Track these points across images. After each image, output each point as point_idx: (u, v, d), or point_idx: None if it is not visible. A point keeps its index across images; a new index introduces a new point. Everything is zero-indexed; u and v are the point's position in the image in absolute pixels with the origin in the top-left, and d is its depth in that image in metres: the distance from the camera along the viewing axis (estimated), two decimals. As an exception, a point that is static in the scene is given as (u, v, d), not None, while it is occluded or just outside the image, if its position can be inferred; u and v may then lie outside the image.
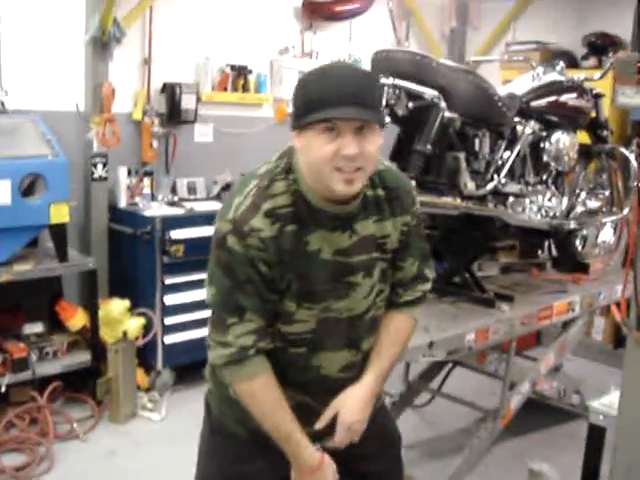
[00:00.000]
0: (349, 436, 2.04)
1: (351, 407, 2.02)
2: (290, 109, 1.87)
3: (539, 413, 4.40)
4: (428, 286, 2.17)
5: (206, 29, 5.47)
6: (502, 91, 3.50)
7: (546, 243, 4.34)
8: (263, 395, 1.94)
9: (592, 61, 6.00)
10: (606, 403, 2.54)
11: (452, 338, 3.12)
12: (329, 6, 6.04)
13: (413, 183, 2.98)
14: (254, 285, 1.86)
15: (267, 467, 2.06)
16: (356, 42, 6.24)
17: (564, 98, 3.78)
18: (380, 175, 1.96)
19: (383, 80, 3.01)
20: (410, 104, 3.08)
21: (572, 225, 3.87)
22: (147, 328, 4.73)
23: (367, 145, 1.77)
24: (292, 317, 1.94)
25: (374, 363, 2.08)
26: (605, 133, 4.16)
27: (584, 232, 4.26)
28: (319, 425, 2.02)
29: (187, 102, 5.26)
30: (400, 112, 3.07)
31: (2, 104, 4.51)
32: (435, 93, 3.03)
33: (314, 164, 1.80)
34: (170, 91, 5.23)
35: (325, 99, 1.73)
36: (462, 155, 3.20)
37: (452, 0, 7.01)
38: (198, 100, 5.35)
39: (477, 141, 3.36)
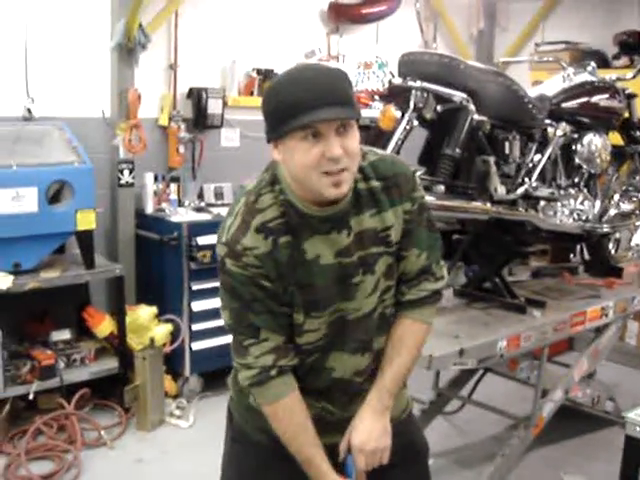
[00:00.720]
0: (372, 459, 1.98)
1: (361, 431, 1.97)
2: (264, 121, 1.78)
3: (572, 420, 4.31)
4: (438, 285, 2.04)
5: (232, 33, 5.45)
6: (532, 93, 3.44)
7: (578, 247, 4.26)
8: (287, 418, 1.91)
9: (624, 60, 5.91)
10: (643, 414, 2.47)
11: (483, 345, 3.06)
12: (355, 8, 6.01)
13: (442, 188, 2.97)
14: (261, 302, 1.83)
15: (288, 476, 2.01)
16: (383, 45, 6.19)
17: (596, 99, 3.70)
18: (373, 166, 1.88)
19: (411, 83, 2.96)
20: (438, 107, 3.02)
21: (605, 228, 3.80)
22: (174, 334, 4.71)
23: (349, 143, 1.72)
24: (301, 328, 1.90)
25: (377, 380, 2.02)
26: (638, 134, 4.07)
27: (617, 235, 4.17)
28: (341, 457, 2.00)
29: (213, 107, 5.24)
30: (428, 115, 3.01)
31: (29, 111, 4.53)
32: (464, 96, 2.98)
33: (299, 172, 1.73)
34: (196, 96, 5.22)
35: (300, 104, 1.66)
36: (492, 159, 3.14)
37: (480, 1, 6.94)
38: (224, 105, 5.34)
39: (507, 144, 3.29)
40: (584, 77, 3.73)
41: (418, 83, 2.96)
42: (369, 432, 1.97)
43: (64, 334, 4.53)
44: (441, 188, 2.97)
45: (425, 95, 2.96)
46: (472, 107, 3.00)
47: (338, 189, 1.74)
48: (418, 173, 3.10)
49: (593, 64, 3.82)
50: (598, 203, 3.80)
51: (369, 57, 5.79)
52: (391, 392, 2.01)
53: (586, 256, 4.25)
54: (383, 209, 1.90)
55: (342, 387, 2.00)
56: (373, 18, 6.07)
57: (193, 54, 5.27)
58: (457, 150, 3.02)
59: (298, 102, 1.66)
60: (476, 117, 3.04)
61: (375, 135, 2.93)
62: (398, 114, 2.93)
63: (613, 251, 4.18)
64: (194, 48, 5.27)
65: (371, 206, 1.89)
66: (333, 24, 6.01)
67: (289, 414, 1.91)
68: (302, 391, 1.94)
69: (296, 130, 1.68)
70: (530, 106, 3.26)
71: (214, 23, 5.35)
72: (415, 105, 2.96)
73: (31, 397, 4.18)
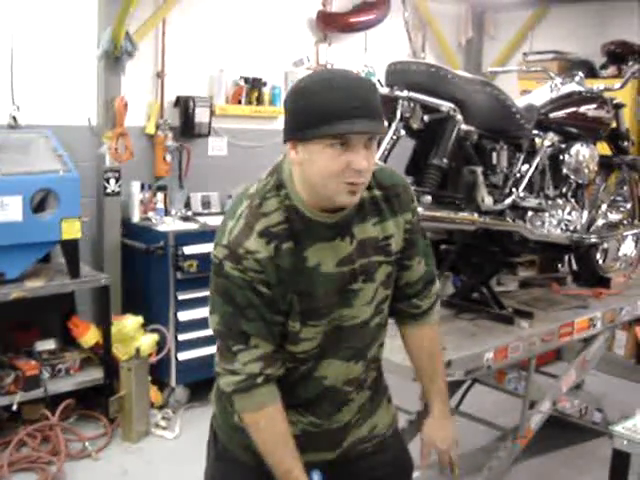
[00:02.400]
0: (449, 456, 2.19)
1: (445, 437, 2.15)
2: (285, 119, 1.76)
3: (560, 431, 4.29)
4: (437, 286, 2.16)
5: (219, 41, 5.43)
6: (520, 102, 3.42)
7: (566, 257, 4.25)
8: (268, 427, 1.87)
9: (611, 70, 5.92)
10: (630, 427, 2.44)
11: (470, 357, 3.04)
12: (344, 17, 6.01)
13: (429, 198, 2.95)
14: (256, 309, 1.80)
15: None
16: (371, 53, 6.19)
17: (583, 109, 3.69)
18: (375, 175, 1.86)
19: (397, 93, 2.94)
20: (425, 117, 3.00)
21: (593, 239, 3.78)
22: (161, 344, 4.68)
23: (371, 157, 1.72)
24: (297, 337, 1.87)
25: (433, 390, 2.16)
26: (626, 144, 4.08)
27: (605, 245, 4.16)
28: (424, 463, 2.19)
29: (201, 115, 5.22)
30: (415, 125, 2.99)
31: (14, 119, 4.50)
32: (451, 105, 2.95)
33: (318, 177, 1.71)
34: (184, 104, 5.19)
35: (335, 112, 1.64)
36: (479, 169, 3.12)
37: (468, 10, 6.95)
38: (212, 113, 5.31)
39: (495, 154, 3.27)
40: (572, 87, 3.72)
41: (405, 93, 2.94)
42: (443, 434, 2.17)
43: (49, 344, 4.48)
44: (428, 198, 2.95)
45: (412, 105, 2.95)
46: (459, 117, 2.98)
47: (353, 197, 1.74)
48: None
49: (581, 74, 3.82)
50: (586, 213, 3.79)
51: (357, 66, 5.83)
52: (447, 394, 2.22)
53: (574, 266, 4.23)
54: (385, 218, 1.91)
55: (331, 396, 1.98)
56: (361, 27, 6.06)
57: (181, 62, 5.25)
58: (444, 160, 3.00)
59: (334, 109, 1.64)
60: (463, 127, 3.01)
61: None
62: (385, 124, 2.91)
63: (601, 261, 4.17)
64: (182, 56, 5.25)
65: (374, 214, 1.90)
66: (322, 33, 6.01)
67: (271, 424, 1.87)
68: (289, 406, 1.91)
69: (327, 137, 1.66)
70: (517, 116, 3.24)
71: (202, 31, 5.34)
72: (402, 115, 2.94)
73: (15, 408, 4.14)
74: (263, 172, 1.89)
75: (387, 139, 2.93)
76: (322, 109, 1.65)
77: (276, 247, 1.78)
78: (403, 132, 3.01)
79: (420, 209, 2.84)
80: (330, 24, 5.95)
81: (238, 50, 5.52)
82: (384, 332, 2.06)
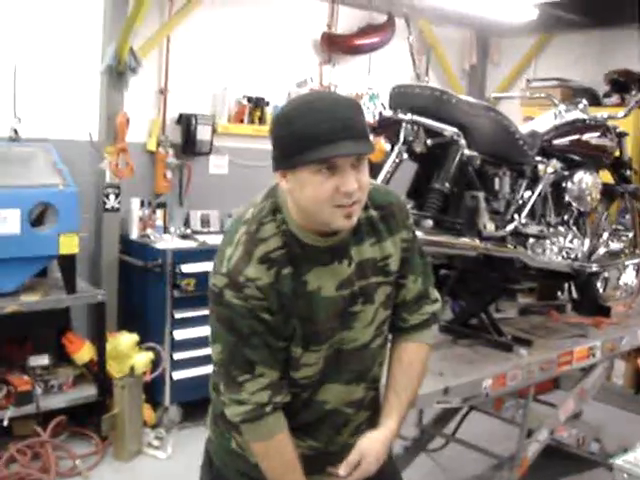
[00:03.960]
0: (361, 471, 1.92)
1: (377, 453, 1.92)
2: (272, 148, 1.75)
3: (557, 461, 4.22)
4: (435, 307, 2.06)
5: (224, 60, 5.43)
6: (523, 129, 3.41)
7: (566, 285, 4.21)
8: (277, 455, 1.85)
9: (615, 99, 5.92)
10: (630, 460, 2.40)
11: (468, 384, 3.00)
12: (348, 39, 6.01)
13: (430, 222, 2.93)
14: (259, 337, 1.77)
15: None
16: (375, 76, 6.18)
17: (587, 137, 3.67)
18: (369, 195, 1.82)
19: (401, 116, 2.93)
20: (429, 141, 2.98)
21: (594, 267, 3.75)
22: (155, 363, 4.63)
23: (362, 177, 1.69)
24: (298, 362, 1.85)
25: (393, 404, 1.99)
26: (629, 173, 4.05)
27: (606, 274, 4.13)
28: (344, 470, 1.89)
29: (203, 133, 5.20)
30: (418, 149, 2.97)
31: (15, 132, 4.47)
32: (455, 130, 2.93)
33: (310, 205, 1.69)
34: (186, 122, 5.18)
35: (319, 136, 1.61)
36: (481, 194, 3.09)
37: (473, 36, 6.97)
38: (214, 131, 5.30)
39: (497, 180, 3.26)
40: (576, 114, 3.70)
41: (409, 116, 2.92)
42: (381, 454, 1.92)
43: (43, 359, 4.43)
44: (429, 222, 2.93)
45: (415, 128, 2.93)
46: (463, 142, 2.96)
47: (349, 221, 1.71)
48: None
49: (585, 102, 3.80)
50: (587, 241, 3.76)
51: (361, 88, 5.83)
52: (405, 419, 2.01)
53: (574, 295, 4.20)
54: (382, 239, 1.89)
55: (332, 419, 1.96)
56: (366, 49, 6.07)
57: (184, 79, 5.24)
58: (446, 185, 2.98)
59: (317, 133, 1.61)
60: (466, 152, 3.00)
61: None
62: (387, 147, 2.90)
63: (601, 290, 4.13)
64: (185, 73, 5.25)
65: (370, 235, 1.87)
66: (326, 54, 6.01)
67: (280, 452, 1.86)
68: (289, 429, 1.88)
69: (312, 162, 1.63)
70: (521, 142, 3.23)
71: (206, 49, 5.33)
72: (405, 138, 2.93)
73: (5, 423, 4.08)
74: (258, 195, 1.87)
75: (389, 162, 2.91)
76: (304, 134, 1.63)
77: (276, 273, 1.75)
78: (406, 155, 2.99)
79: (420, 233, 2.82)
80: (334, 46, 5.96)
81: (242, 69, 5.52)
82: (384, 352, 2.04)
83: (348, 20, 6.07)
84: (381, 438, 1.93)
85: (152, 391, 4.72)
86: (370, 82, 6.12)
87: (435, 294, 2.08)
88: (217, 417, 1.98)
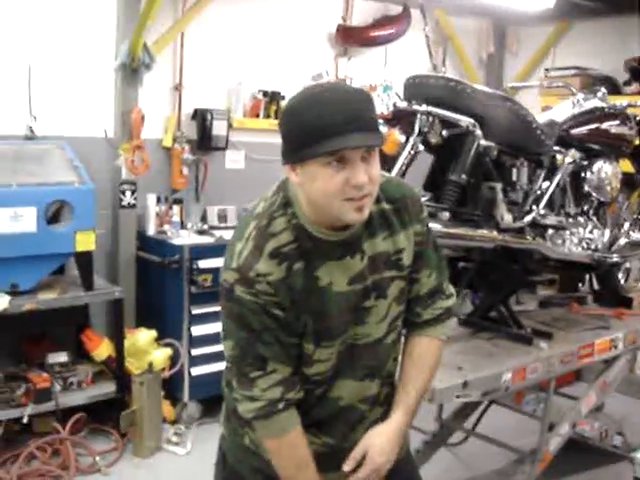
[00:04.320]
0: (375, 475, 1.90)
1: (381, 446, 1.89)
2: (281, 142, 1.71)
3: (579, 454, 4.19)
4: (450, 302, 2.03)
5: (238, 54, 5.40)
6: (541, 118, 3.36)
7: (587, 276, 4.16)
8: (290, 453, 1.84)
9: (635, 87, 5.84)
10: (653, 454, 2.37)
11: (487, 378, 2.97)
12: (364, 31, 5.97)
13: (447, 215, 2.89)
14: (271, 332, 1.74)
15: None
16: (391, 68, 6.13)
17: (606, 125, 3.62)
18: (382, 188, 1.79)
19: (416, 107, 2.89)
20: (444, 132, 2.94)
21: (615, 258, 3.70)
22: (174, 359, 4.62)
23: (372, 170, 1.65)
24: (311, 358, 1.83)
25: (401, 398, 1.96)
26: (649, 161, 3.99)
27: (627, 265, 4.07)
28: (348, 467, 1.88)
29: (218, 128, 5.18)
30: (433, 140, 2.93)
31: (31, 129, 4.47)
32: (470, 120, 2.89)
33: (320, 198, 1.66)
34: (201, 117, 5.16)
35: (327, 128, 1.58)
36: (499, 185, 3.05)
37: (490, 26, 6.89)
38: (229, 126, 5.28)
39: (515, 171, 3.21)
40: (594, 103, 3.65)
41: (423, 107, 2.88)
42: (392, 452, 1.91)
43: (61, 357, 4.42)
44: (446, 215, 2.90)
45: (430, 119, 2.89)
46: (479, 132, 2.92)
47: (360, 214, 1.68)
48: (423, 199, 3.03)
49: (604, 90, 3.75)
50: (608, 232, 3.71)
51: (377, 80, 5.76)
52: (414, 411, 1.98)
53: (595, 286, 4.15)
54: (395, 232, 1.85)
55: (346, 416, 1.94)
56: (382, 41, 6.02)
57: (199, 75, 5.22)
58: (463, 176, 2.95)
59: (325, 126, 1.58)
60: (483, 142, 2.96)
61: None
62: (402, 138, 2.86)
63: (623, 281, 4.08)
64: (200, 69, 5.22)
65: (383, 229, 1.84)
66: (341, 47, 5.96)
67: (293, 449, 1.84)
68: (303, 427, 1.86)
69: (321, 155, 1.60)
70: (538, 132, 3.18)
71: (220, 44, 5.30)
72: (420, 129, 2.89)
73: (25, 421, 4.09)
74: (268, 190, 1.84)
75: (404, 154, 2.87)
76: (312, 127, 1.60)
77: (288, 268, 1.73)
78: (422, 147, 2.95)
79: (438, 226, 2.80)
80: (350, 38, 5.91)
81: (257, 63, 5.49)
82: (399, 347, 2.01)
83: (363, 12, 6.02)
84: (386, 431, 1.91)
85: (171, 387, 4.71)
86: (386, 74, 6.07)
87: (450, 289, 2.04)
88: (230, 414, 1.96)
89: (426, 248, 1.94)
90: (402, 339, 2.02)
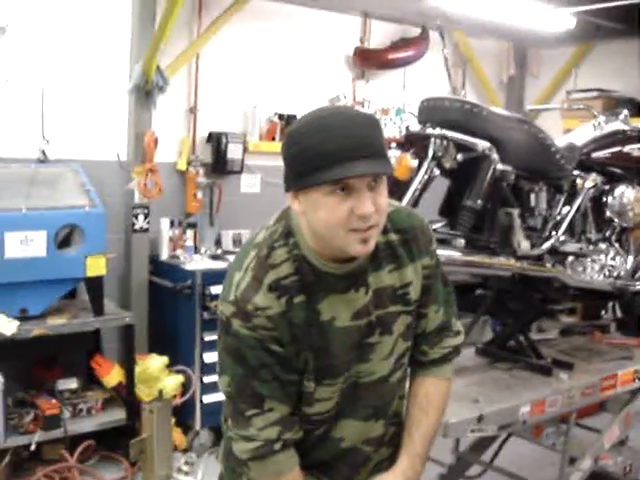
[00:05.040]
0: None
1: None
2: (283, 168, 1.62)
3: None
4: (458, 340, 1.93)
5: (254, 77, 5.36)
6: (561, 141, 3.26)
7: (610, 304, 4.04)
8: None
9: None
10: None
11: (504, 411, 2.85)
12: (382, 54, 5.91)
13: (462, 241, 2.80)
14: (269, 369, 1.66)
15: None
16: (410, 90, 6.05)
17: (628, 148, 3.52)
18: (390, 218, 1.70)
19: (429, 130, 2.81)
20: (459, 156, 2.85)
21: (638, 286, 3.57)
22: (186, 386, 4.54)
23: (380, 199, 1.56)
24: (311, 397, 1.73)
25: (405, 443, 1.87)
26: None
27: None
28: None
29: (233, 152, 5.13)
30: (448, 165, 2.84)
31: (43, 153, 4.44)
32: (486, 144, 2.81)
33: (323, 228, 1.57)
34: (216, 140, 5.11)
35: (331, 155, 1.49)
36: (516, 211, 2.96)
37: (510, 47, 6.81)
38: (245, 150, 5.22)
39: (533, 196, 3.11)
40: (616, 125, 3.56)
41: (437, 130, 2.80)
42: None
43: (71, 383, 4.36)
44: (461, 242, 2.80)
45: (445, 143, 2.80)
46: (495, 156, 2.83)
47: (365, 246, 1.58)
48: (438, 225, 2.95)
49: (626, 112, 3.65)
50: (631, 259, 3.58)
51: (396, 103, 5.70)
52: (422, 457, 1.87)
53: (618, 314, 4.02)
54: (402, 264, 1.76)
55: (349, 458, 1.84)
56: (400, 64, 5.95)
57: (214, 98, 5.18)
58: (478, 202, 2.85)
59: (329, 152, 1.49)
60: (500, 167, 2.87)
61: (390, 185, 2.77)
62: (414, 163, 2.78)
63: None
64: (215, 92, 5.18)
65: (390, 261, 1.74)
66: (359, 69, 5.91)
67: None
68: (303, 467, 1.77)
69: (324, 183, 1.51)
70: (557, 156, 3.08)
71: (236, 66, 5.27)
72: (434, 153, 2.80)
73: (33, 447, 4.02)
74: (270, 218, 1.75)
75: (418, 179, 2.78)
76: (315, 153, 1.51)
77: (287, 301, 1.64)
78: (437, 172, 2.86)
79: (453, 253, 2.71)
80: (368, 60, 5.86)
81: (273, 86, 5.44)
82: (405, 386, 1.92)
83: (381, 34, 5.97)
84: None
85: (183, 414, 4.63)
86: (405, 97, 6.01)
87: (458, 325, 1.95)
88: (228, 452, 1.87)
89: (434, 282, 1.84)
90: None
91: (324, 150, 1.50)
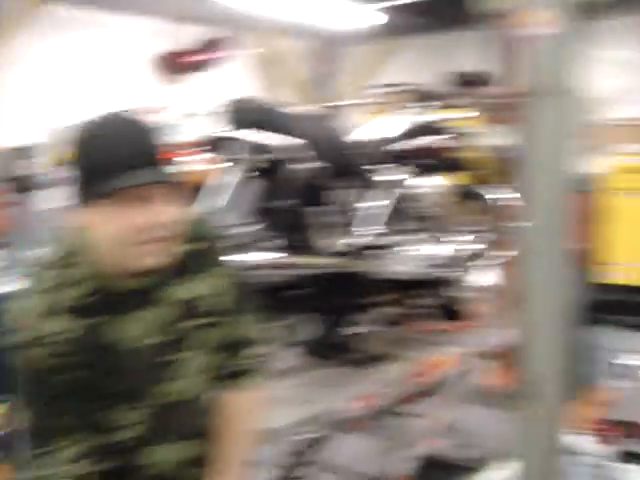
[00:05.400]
0: None
1: None
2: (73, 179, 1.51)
3: (439, 471, 4.10)
4: (261, 350, 1.85)
5: (55, 89, 5.23)
6: (360, 136, 3.30)
7: (427, 292, 4.14)
8: None
9: (462, 99, 5.95)
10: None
11: (326, 409, 2.84)
12: (187, 57, 5.88)
13: (269, 243, 2.77)
14: (64, 399, 1.54)
15: None
16: (220, 93, 5.96)
17: (431, 140, 3.67)
18: (185, 228, 1.62)
19: (229, 133, 2.79)
20: (266, 156, 2.83)
21: (448, 273, 3.68)
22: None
23: (170, 209, 1.49)
24: (115, 424, 1.61)
25: (222, 460, 1.78)
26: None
27: (460, 278, 4.07)
28: None
29: (30, 168, 4.86)
30: (256, 166, 2.82)
31: None
32: (283, 144, 2.80)
33: (110, 242, 1.47)
34: (11, 156, 4.84)
35: (119, 163, 1.42)
36: (322, 209, 2.97)
37: (317, 46, 6.91)
38: (45, 165, 4.96)
39: (337, 192, 3.13)
40: (420, 118, 3.66)
41: (238, 133, 2.77)
42: None
43: None
44: (269, 243, 2.79)
45: (245, 145, 2.78)
46: (296, 155, 2.82)
47: (156, 258, 1.50)
48: (255, 228, 2.90)
49: (430, 104, 3.77)
50: (436, 247, 3.68)
51: (203, 107, 5.63)
52: (241, 470, 1.79)
53: (436, 302, 4.12)
54: (199, 276, 1.68)
55: None
56: (205, 66, 5.93)
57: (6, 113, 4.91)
58: (286, 202, 2.84)
59: (115, 160, 1.42)
60: (302, 165, 2.87)
61: (190, 190, 2.70)
62: (222, 166, 2.73)
63: (458, 295, 4.08)
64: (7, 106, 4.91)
65: (186, 273, 1.66)
66: (164, 74, 5.80)
67: None
68: None
69: (111, 193, 1.42)
70: (356, 151, 3.12)
71: (38, 79, 5.03)
72: (235, 156, 2.76)
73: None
74: (61, 235, 1.63)
75: (228, 182, 2.75)
76: (103, 161, 1.43)
77: (81, 325, 1.53)
78: (241, 174, 2.82)
79: (259, 255, 2.68)
80: (173, 65, 5.78)
81: (74, 95, 5.29)
82: (219, 401, 1.81)
83: (188, 38, 5.90)
84: None
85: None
86: (213, 100, 5.95)
87: (256, 334, 1.86)
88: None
89: (232, 292, 1.77)
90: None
91: (109, 158, 1.43)
